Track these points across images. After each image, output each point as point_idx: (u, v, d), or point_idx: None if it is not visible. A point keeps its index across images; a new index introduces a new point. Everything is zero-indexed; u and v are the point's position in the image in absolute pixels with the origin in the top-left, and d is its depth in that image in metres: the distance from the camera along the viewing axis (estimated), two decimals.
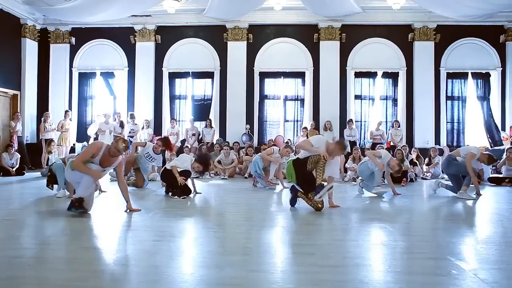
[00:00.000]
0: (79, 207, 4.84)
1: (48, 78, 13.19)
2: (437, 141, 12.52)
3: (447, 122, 12.83)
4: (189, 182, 6.90)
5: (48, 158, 10.38)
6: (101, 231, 4.35)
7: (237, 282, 2.73)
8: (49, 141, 10.50)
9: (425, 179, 10.02)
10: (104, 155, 5.04)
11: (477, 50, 12.64)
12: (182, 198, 6.49)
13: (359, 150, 10.19)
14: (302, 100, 13.09)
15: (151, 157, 8.30)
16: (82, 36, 13.31)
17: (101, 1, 10.93)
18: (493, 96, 12.72)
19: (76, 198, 4.92)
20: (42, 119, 11.93)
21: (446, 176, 9.96)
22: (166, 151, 9.99)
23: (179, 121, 13.18)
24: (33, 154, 11.80)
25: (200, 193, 6.98)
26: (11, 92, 12.27)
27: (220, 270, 2.97)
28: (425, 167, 10.51)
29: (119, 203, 6.32)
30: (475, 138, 12.69)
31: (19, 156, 10.65)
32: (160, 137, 9.85)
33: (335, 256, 3.37)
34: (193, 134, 12.41)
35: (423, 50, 12.64)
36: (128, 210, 5.21)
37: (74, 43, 13.35)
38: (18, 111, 12.25)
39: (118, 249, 3.58)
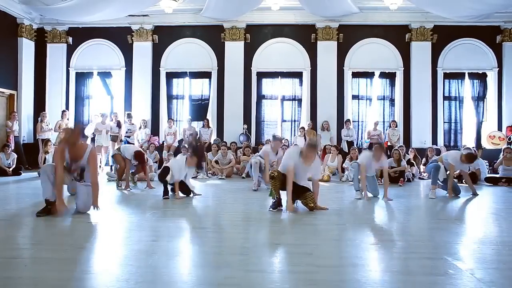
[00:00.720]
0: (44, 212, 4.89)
1: (45, 78, 13.15)
2: (434, 141, 12.55)
3: (444, 122, 12.87)
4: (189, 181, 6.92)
5: (45, 158, 10.36)
6: (98, 231, 4.34)
7: (235, 282, 2.73)
8: (46, 141, 10.47)
9: (422, 179, 10.04)
10: (69, 151, 5.02)
11: (474, 50, 12.69)
12: (181, 197, 6.49)
13: (356, 150, 10.20)
14: (300, 100, 13.11)
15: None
16: (79, 35, 13.28)
17: (98, 1, 10.90)
18: (490, 96, 12.76)
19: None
20: (39, 119, 11.90)
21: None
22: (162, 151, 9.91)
23: (176, 121, 13.17)
24: (30, 154, 11.75)
25: (200, 194, 6.93)
26: (7, 91, 12.22)
27: (218, 270, 2.97)
28: (422, 167, 10.53)
29: (116, 203, 6.32)
30: (472, 138, 12.75)
31: (16, 156, 10.62)
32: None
33: (332, 256, 3.38)
34: (191, 134, 12.40)
35: (420, 50, 12.68)
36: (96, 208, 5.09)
37: (71, 43, 13.31)
38: (15, 110, 12.20)
39: (115, 249, 3.57)
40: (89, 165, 5.08)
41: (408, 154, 10.63)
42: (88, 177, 5.12)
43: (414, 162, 10.32)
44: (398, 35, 12.81)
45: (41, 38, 13.14)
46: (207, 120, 12.70)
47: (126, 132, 12.19)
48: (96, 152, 5.24)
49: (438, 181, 7.19)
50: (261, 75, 13.16)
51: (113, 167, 9.88)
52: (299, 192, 5.53)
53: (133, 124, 12.35)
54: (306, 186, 5.62)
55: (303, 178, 5.61)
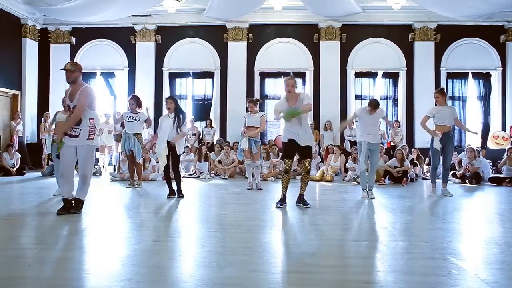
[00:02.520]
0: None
1: (48, 78, 13.19)
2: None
3: None
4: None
5: (48, 158, 10.40)
6: (101, 231, 4.35)
7: (237, 282, 2.72)
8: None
9: (426, 179, 10.01)
10: (68, 91, 5.23)
11: (478, 50, 12.64)
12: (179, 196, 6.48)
13: None
14: None
15: (132, 117, 7.90)
16: (82, 36, 13.32)
17: (102, 1, 10.94)
18: (494, 96, 12.71)
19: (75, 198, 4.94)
20: (43, 119, 11.94)
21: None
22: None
23: None
24: (33, 154, 11.80)
25: (182, 196, 6.54)
26: (11, 92, 12.27)
27: (220, 270, 2.96)
28: (425, 167, 10.50)
29: (119, 202, 6.33)
30: (476, 138, 12.68)
31: (20, 156, 10.65)
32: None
33: (335, 256, 3.37)
34: (194, 134, 12.41)
35: (424, 50, 12.64)
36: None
37: (74, 43, 13.35)
38: (19, 111, 12.25)
39: (118, 249, 3.57)
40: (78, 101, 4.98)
41: (411, 154, 10.60)
42: (86, 124, 4.96)
43: (417, 162, 10.30)
44: (401, 35, 12.78)
45: (44, 39, 13.19)
46: (210, 120, 12.71)
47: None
48: (94, 118, 5.11)
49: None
50: (264, 75, 13.16)
51: (116, 167, 9.90)
52: (303, 155, 5.68)
53: None
54: (309, 145, 5.67)
55: (299, 126, 5.56)
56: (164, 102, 12.96)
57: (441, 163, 7.24)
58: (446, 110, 7.02)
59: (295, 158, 7.30)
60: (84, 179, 5.06)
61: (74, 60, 13.30)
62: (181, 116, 6.59)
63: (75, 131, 4.96)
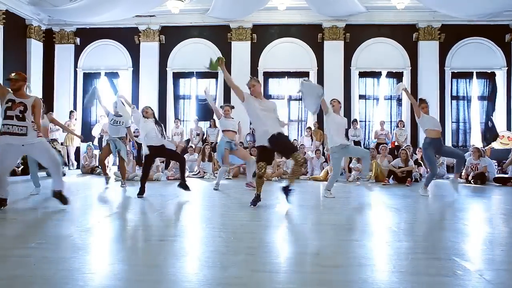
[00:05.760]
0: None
1: (53, 78, 13.26)
2: (442, 141, 12.42)
3: (452, 122, 12.78)
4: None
5: None
6: (105, 231, 4.36)
7: (241, 282, 2.72)
8: (53, 141, 10.54)
9: None
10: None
11: (482, 49, 12.59)
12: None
13: None
14: None
15: (117, 121, 7.97)
16: (86, 36, 13.37)
17: (106, 2, 10.98)
18: (499, 95, 12.65)
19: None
20: None
21: (451, 176, 9.97)
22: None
23: (183, 121, 13.21)
24: None
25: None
26: None
27: (224, 270, 2.96)
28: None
29: (123, 203, 6.35)
30: (481, 138, 12.63)
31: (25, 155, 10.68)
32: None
33: (339, 256, 3.36)
34: (197, 134, 12.43)
35: (428, 49, 12.60)
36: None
37: (78, 44, 13.41)
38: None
39: (121, 249, 3.58)
40: (33, 112, 5.12)
41: (416, 154, 10.57)
42: (30, 123, 5.07)
43: (421, 162, 10.26)
44: (405, 35, 12.74)
45: (49, 39, 13.25)
46: (214, 120, 12.71)
47: (133, 132, 12.20)
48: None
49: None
50: (267, 75, 13.16)
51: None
52: (288, 152, 5.54)
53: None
54: (282, 132, 5.59)
55: (272, 117, 5.53)
56: (169, 103, 13.11)
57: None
58: (433, 118, 7.26)
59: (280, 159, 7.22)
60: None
61: (78, 61, 13.39)
62: (159, 122, 7.01)
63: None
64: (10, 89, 5.19)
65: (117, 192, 7.52)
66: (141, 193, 6.55)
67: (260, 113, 5.49)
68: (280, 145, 5.47)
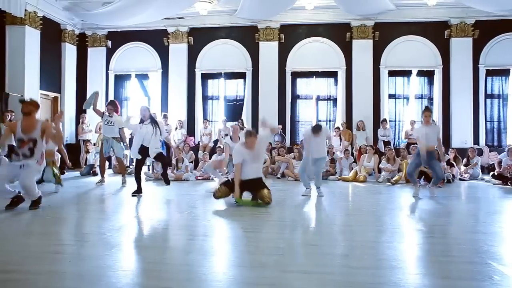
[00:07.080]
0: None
1: (86, 81, 13.64)
2: (476, 141, 12.06)
3: (486, 121, 12.33)
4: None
5: (86, 158, 10.77)
6: (135, 230, 4.46)
7: (270, 282, 2.73)
8: (86, 142, 10.88)
9: (463, 180, 9.69)
10: (22, 123, 5.24)
11: None
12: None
13: (393, 150, 9.98)
14: (335, 100, 12.94)
15: (110, 122, 8.30)
16: (117, 39, 13.69)
17: (136, 5, 11.20)
18: None
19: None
20: (80, 120, 12.37)
21: (485, 177, 9.65)
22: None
23: (211, 121, 13.32)
24: (72, 154, 12.15)
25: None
26: (52, 94, 12.78)
27: (253, 270, 2.98)
28: (463, 168, 10.16)
29: (153, 201, 6.47)
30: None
31: (60, 156, 11.03)
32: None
33: (369, 258, 3.32)
34: (226, 135, 12.49)
35: (461, 47, 12.21)
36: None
37: (110, 46, 13.75)
38: (59, 112, 12.71)
39: (152, 247, 3.65)
40: (42, 137, 5.27)
41: (448, 155, 10.28)
42: (38, 155, 5.23)
43: (454, 163, 9.97)
44: (437, 32, 12.40)
45: (82, 43, 13.65)
46: (242, 121, 12.76)
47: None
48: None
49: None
50: (295, 75, 13.10)
51: (150, 167, 10.12)
52: (257, 188, 5.85)
53: (168, 124, 12.57)
54: (259, 177, 5.95)
55: (253, 167, 5.90)
56: (197, 103, 13.27)
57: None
58: (430, 130, 6.88)
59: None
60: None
61: (110, 63, 13.74)
62: (156, 122, 7.21)
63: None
64: (21, 111, 5.30)
65: (148, 191, 7.67)
66: (137, 192, 6.77)
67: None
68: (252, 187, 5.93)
